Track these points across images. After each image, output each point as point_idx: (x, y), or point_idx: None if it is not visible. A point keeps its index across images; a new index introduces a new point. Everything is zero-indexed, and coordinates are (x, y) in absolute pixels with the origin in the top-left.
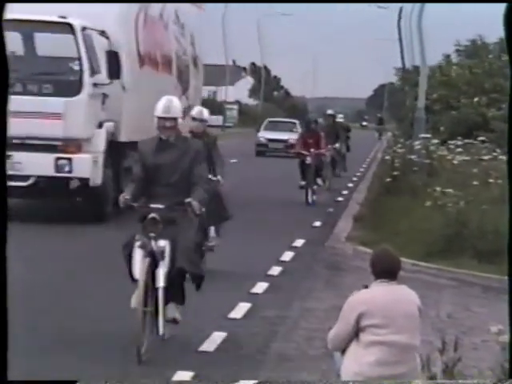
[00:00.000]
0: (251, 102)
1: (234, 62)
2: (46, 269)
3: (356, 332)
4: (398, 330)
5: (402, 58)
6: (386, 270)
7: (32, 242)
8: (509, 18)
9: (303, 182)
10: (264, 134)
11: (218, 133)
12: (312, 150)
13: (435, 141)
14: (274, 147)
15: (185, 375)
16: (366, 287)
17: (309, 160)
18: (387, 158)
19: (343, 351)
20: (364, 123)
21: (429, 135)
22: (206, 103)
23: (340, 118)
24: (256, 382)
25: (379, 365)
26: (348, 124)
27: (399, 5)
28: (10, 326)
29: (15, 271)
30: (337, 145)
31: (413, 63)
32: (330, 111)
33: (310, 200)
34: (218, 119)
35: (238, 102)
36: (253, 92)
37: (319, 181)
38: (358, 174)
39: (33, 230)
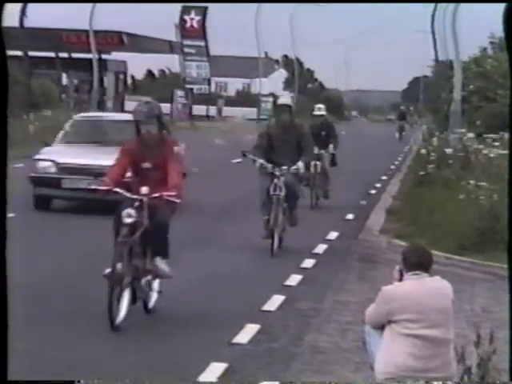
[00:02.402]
0: (286, 94)
1: (266, 54)
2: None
3: (389, 321)
4: (431, 324)
5: (436, 50)
6: (418, 263)
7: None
8: (509, 17)
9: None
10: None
11: (253, 125)
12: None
13: (471, 134)
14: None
15: (218, 367)
16: (401, 272)
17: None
18: (423, 151)
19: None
20: (390, 117)
21: (464, 129)
22: (240, 95)
23: (320, 110)
24: (276, 383)
25: (413, 358)
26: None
27: None
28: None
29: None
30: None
31: (447, 56)
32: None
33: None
34: (252, 112)
35: (272, 95)
36: (287, 84)
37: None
38: (393, 167)
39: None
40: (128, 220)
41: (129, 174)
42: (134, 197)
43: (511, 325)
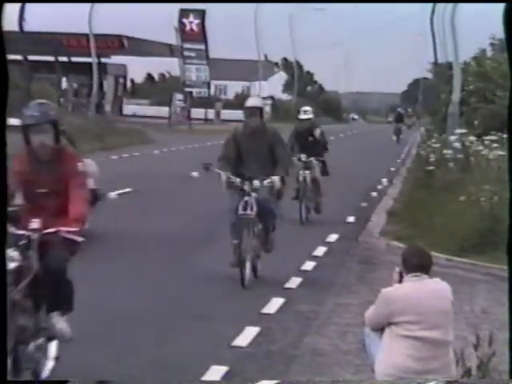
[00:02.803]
0: (285, 97)
1: (265, 56)
2: None
3: (388, 323)
4: (431, 325)
5: (435, 52)
6: (418, 265)
7: None
8: (508, 17)
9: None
10: None
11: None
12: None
13: (471, 138)
14: None
15: (219, 370)
16: (401, 274)
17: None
18: (422, 152)
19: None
20: (390, 119)
21: (464, 130)
22: (239, 98)
23: (306, 114)
24: (277, 381)
25: (413, 360)
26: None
27: None
28: None
29: None
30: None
31: (446, 58)
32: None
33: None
34: None
35: (271, 98)
36: (287, 87)
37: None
38: (393, 168)
39: None
40: (11, 265)
41: (18, 201)
42: (20, 233)
43: (511, 326)
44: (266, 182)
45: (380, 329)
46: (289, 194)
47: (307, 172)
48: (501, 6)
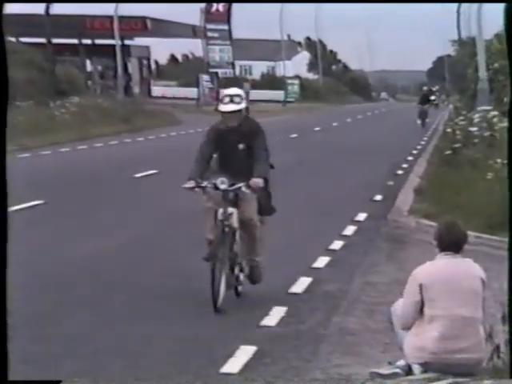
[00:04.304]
0: (311, 76)
1: (289, 36)
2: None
3: (421, 306)
4: (461, 303)
5: (459, 28)
6: (453, 243)
7: None
8: (509, 17)
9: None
10: None
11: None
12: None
13: (495, 113)
14: None
15: (248, 350)
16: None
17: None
18: (448, 130)
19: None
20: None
21: (489, 107)
22: (265, 78)
23: (233, 102)
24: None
25: (443, 339)
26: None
27: None
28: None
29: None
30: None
31: (469, 34)
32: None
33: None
34: (279, 94)
35: (298, 77)
36: (311, 66)
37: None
38: (419, 146)
39: None
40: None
41: None
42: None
43: (510, 322)
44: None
45: (411, 324)
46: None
47: (231, 210)
48: None
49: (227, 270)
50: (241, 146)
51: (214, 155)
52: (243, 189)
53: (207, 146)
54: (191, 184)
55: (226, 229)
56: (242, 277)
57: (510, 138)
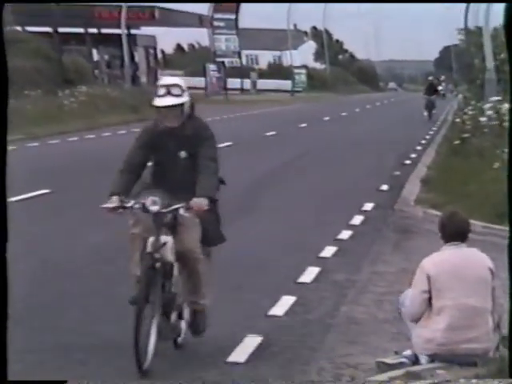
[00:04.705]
0: (318, 66)
1: (295, 26)
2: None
3: (429, 297)
4: (470, 293)
5: (466, 18)
6: (456, 233)
7: None
8: (509, 17)
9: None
10: None
11: (287, 97)
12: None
13: (506, 105)
14: None
15: (254, 340)
16: None
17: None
18: (458, 120)
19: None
20: (391, 85)
21: (499, 97)
22: (272, 68)
23: (173, 94)
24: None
25: (451, 329)
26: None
27: None
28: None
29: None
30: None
31: (476, 23)
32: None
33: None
34: (286, 84)
35: (305, 67)
36: (318, 56)
37: None
38: (428, 136)
39: None
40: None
41: None
42: None
43: (510, 321)
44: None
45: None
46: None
47: (165, 239)
48: None
49: (159, 316)
50: (182, 154)
51: (149, 164)
52: (182, 211)
53: (138, 152)
54: (113, 203)
55: (158, 264)
56: (182, 325)
57: (511, 131)
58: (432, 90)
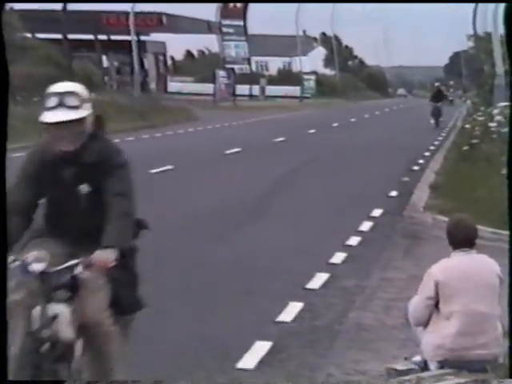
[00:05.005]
0: (327, 72)
1: (304, 32)
2: None
3: (436, 303)
4: (478, 298)
5: (474, 24)
6: (463, 239)
7: None
8: (509, 18)
9: None
10: None
11: (296, 103)
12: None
13: None
14: None
15: (263, 345)
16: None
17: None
18: (467, 126)
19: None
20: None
21: (508, 103)
22: (282, 74)
23: (68, 107)
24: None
25: (460, 335)
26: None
27: None
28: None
29: None
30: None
31: (485, 29)
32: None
33: None
34: (295, 90)
35: (315, 73)
36: (327, 62)
37: None
38: (436, 142)
39: None
40: None
41: None
42: None
43: (510, 322)
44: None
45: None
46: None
47: (58, 310)
48: None
49: None
50: (83, 189)
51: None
52: (79, 269)
53: (23, 187)
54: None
55: (45, 346)
56: None
57: (511, 133)
58: (438, 96)
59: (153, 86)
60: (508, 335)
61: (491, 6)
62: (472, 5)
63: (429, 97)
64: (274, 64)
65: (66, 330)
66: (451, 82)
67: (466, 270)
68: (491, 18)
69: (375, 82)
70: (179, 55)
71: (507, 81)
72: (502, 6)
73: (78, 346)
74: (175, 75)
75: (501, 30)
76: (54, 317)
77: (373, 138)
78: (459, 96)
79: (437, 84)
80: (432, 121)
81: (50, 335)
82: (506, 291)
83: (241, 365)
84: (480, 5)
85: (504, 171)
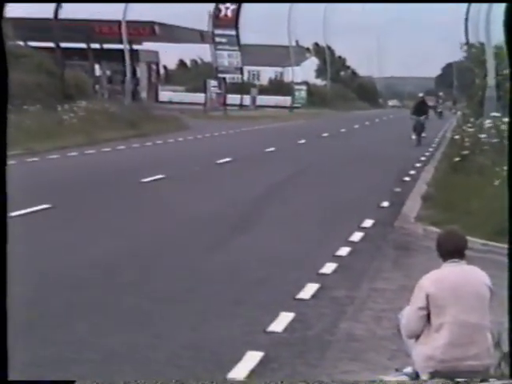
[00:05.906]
0: (319, 82)
1: (297, 42)
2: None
3: (427, 314)
4: (469, 309)
5: (467, 34)
6: (453, 250)
7: None
8: (509, 18)
9: None
10: None
11: (286, 113)
12: None
13: (506, 119)
14: None
15: (255, 355)
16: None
17: None
18: (456, 137)
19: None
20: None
21: (498, 114)
22: (273, 84)
23: None
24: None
25: (452, 346)
26: None
27: None
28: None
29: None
30: None
31: (477, 39)
32: None
33: None
34: (286, 100)
35: (306, 83)
36: (319, 72)
37: None
38: (427, 153)
39: None
40: None
41: None
42: None
43: (510, 322)
44: None
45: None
46: None
47: None
48: None
49: None
50: None
51: None
52: None
53: None
54: None
55: None
56: None
57: (510, 143)
58: (423, 108)
59: (144, 94)
60: (508, 338)
61: (482, 15)
62: (463, 13)
63: (411, 109)
64: (266, 74)
65: None
66: (441, 93)
67: (457, 280)
68: (483, 27)
69: (366, 92)
70: (172, 64)
71: (498, 93)
72: (493, 14)
73: None
74: (167, 84)
75: (494, 40)
76: None
77: (363, 148)
78: (449, 108)
79: (421, 94)
80: (413, 136)
81: None
82: (498, 302)
83: (232, 375)
84: (471, 12)
85: (497, 182)
